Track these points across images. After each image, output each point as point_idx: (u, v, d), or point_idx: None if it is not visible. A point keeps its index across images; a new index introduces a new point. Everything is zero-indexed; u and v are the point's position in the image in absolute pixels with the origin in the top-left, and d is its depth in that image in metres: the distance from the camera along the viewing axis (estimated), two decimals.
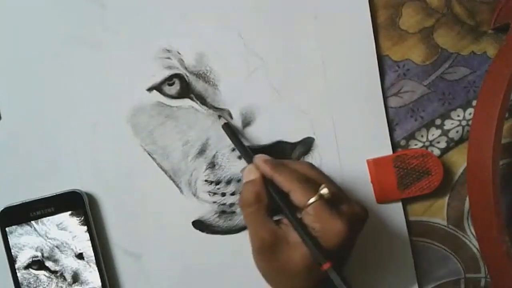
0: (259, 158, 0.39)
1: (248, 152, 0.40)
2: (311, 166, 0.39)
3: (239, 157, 0.44)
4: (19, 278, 0.41)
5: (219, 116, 0.43)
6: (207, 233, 0.44)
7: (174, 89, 0.44)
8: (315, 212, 0.35)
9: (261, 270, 0.37)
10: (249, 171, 0.38)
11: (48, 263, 0.42)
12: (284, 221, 0.37)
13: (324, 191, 0.35)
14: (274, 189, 0.37)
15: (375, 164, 0.45)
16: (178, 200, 0.44)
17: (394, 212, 0.46)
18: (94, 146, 0.44)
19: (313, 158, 0.45)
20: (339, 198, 0.37)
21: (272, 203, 0.37)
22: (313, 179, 0.37)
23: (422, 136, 0.46)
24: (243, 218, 0.38)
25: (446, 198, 0.47)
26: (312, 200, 0.35)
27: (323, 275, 0.34)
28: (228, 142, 0.43)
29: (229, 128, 0.42)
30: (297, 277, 0.35)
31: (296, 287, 0.36)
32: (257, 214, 0.37)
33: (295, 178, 0.36)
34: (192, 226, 0.44)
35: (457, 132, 0.47)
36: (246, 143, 0.44)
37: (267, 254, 0.36)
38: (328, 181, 0.38)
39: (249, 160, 0.39)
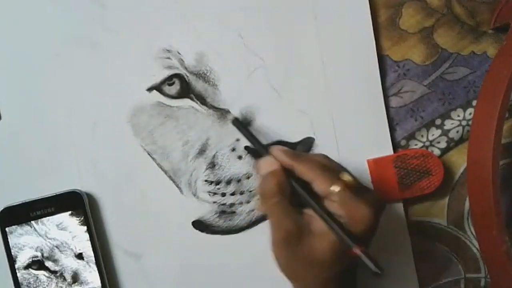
0: (277, 148, 0.39)
1: (262, 144, 0.40)
2: (326, 156, 0.39)
3: (239, 157, 0.44)
4: (19, 278, 0.41)
5: (228, 111, 0.43)
6: (207, 233, 0.44)
7: (174, 89, 0.44)
8: (340, 199, 0.35)
9: (283, 263, 0.36)
10: (267, 162, 0.38)
11: (48, 263, 0.42)
12: (306, 211, 0.37)
13: (346, 177, 0.36)
14: (294, 179, 0.37)
15: (376, 164, 0.45)
16: (178, 200, 0.44)
17: (395, 212, 0.46)
18: (94, 146, 0.44)
19: None
20: (359, 187, 0.37)
21: (293, 194, 0.37)
22: (332, 167, 0.37)
23: (422, 136, 0.46)
24: (265, 210, 0.37)
25: (447, 198, 0.47)
26: (337, 187, 0.35)
27: (346, 264, 0.35)
28: (228, 142, 0.43)
29: (239, 123, 0.42)
30: (322, 267, 0.35)
31: (319, 277, 0.35)
32: (280, 204, 0.36)
33: (316, 167, 0.36)
34: (192, 226, 0.44)
35: (457, 132, 0.47)
36: (245, 144, 0.44)
37: (291, 245, 0.35)
38: (346, 170, 0.38)
39: (265, 152, 0.39)
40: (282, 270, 0.37)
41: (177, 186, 0.44)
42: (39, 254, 0.42)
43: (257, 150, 0.41)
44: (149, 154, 0.44)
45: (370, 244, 0.37)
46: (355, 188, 0.36)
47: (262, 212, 0.43)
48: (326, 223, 0.35)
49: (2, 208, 0.42)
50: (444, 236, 0.47)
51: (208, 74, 0.44)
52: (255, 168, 0.40)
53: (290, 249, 0.35)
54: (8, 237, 0.41)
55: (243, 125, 0.43)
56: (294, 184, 0.37)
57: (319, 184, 0.36)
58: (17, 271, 0.41)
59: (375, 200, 0.37)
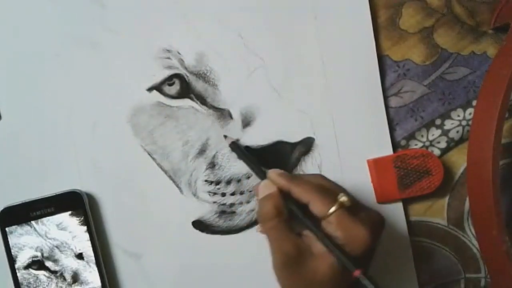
0: (273, 172, 0.39)
1: (260, 168, 0.41)
2: (323, 177, 0.39)
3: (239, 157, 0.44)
4: (19, 278, 0.41)
5: (225, 136, 0.43)
6: (207, 233, 0.44)
7: (174, 89, 0.44)
8: (337, 221, 0.35)
9: (284, 284, 0.36)
10: (265, 186, 0.38)
11: (48, 263, 0.42)
12: (305, 233, 0.37)
13: (344, 199, 0.35)
14: (292, 202, 0.37)
15: (376, 164, 0.45)
16: (178, 200, 0.44)
17: (395, 212, 0.46)
18: (94, 146, 0.44)
19: (313, 158, 0.45)
20: (356, 206, 0.37)
21: (291, 217, 0.37)
22: (329, 188, 0.37)
23: (422, 136, 0.46)
24: (264, 234, 0.37)
25: (446, 198, 0.47)
26: (333, 209, 0.35)
27: (348, 283, 0.35)
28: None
29: (237, 147, 0.43)
30: None
31: None
32: (279, 228, 0.36)
33: (312, 189, 0.36)
34: (192, 226, 0.44)
35: (457, 132, 0.47)
36: (245, 144, 0.44)
37: (292, 268, 0.35)
38: (342, 189, 0.39)
39: (262, 177, 0.39)
40: None
41: (177, 186, 0.44)
42: (39, 254, 0.42)
43: (254, 170, 0.41)
44: (149, 154, 0.44)
45: (370, 264, 0.37)
46: (353, 208, 0.36)
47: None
48: (325, 245, 0.35)
49: (2, 208, 0.42)
50: (444, 236, 0.47)
51: (208, 74, 0.44)
52: (254, 192, 0.41)
53: (291, 271, 0.35)
54: (8, 237, 0.41)
55: (241, 149, 0.43)
56: (292, 207, 0.37)
57: (316, 206, 0.36)
58: (17, 271, 0.41)
59: (374, 220, 0.37)
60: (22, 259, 0.42)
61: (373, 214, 0.38)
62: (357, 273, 0.34)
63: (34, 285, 0.42)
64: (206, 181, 0.44)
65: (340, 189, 0.38)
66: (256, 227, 0.44)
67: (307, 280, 0.35)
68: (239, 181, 0.44)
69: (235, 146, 0.43)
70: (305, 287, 0.35)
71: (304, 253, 0.35)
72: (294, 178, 0.38)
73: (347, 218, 0.35)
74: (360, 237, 0.34)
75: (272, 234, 0.36)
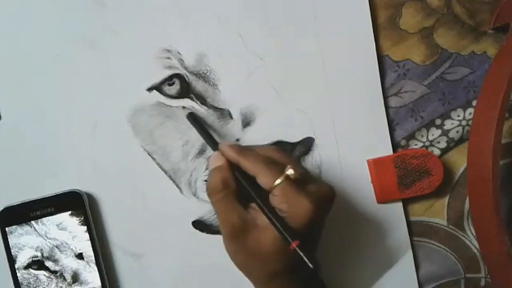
0: (224, 144, 0.39)
1: (213, 139, 0.41)
2: (277, 149, 0.39)
3: None
4: (19, 278, 0.41)
5: (183, 107, 0.43)
6: (207, 233, 0.44)
7: (174, 89, 0.44)
8: (281, 193, 0.35)
9: (232, 256, 0.37)
10: (215, 157, 0.39)
11: (48, 263, 0.42)
12: (253, 206, 0.37)
13: (290, 171, 0.35)
14: (241, 174, 0.37)
15: (375, 164, 0.45)
16: (178, 200, 0.44)
17: (394, 212, 0.46)
18: (94, 146, 0.44)
19: (313, 158, 0.45)
20: (305, 179, 0.37)
21: (240, 189, 0.38)
22: (279, 161, 0.37)
23: (422, 136, 0.46)
24: (212, 205, 0.38)
25: (446, 198, 0.47)
26: (278, 181, 0.35)
27: (294, 257, 0.35)
28: (228, 142, 0.43)
29: (193, 117, 0.43)
30: (269, 260, 0.36)
31: (268, 270, 0.36)
32: (225, 199, 0.37)
33: (260, 161, 0.37)
34: (192, 226, 0.44)
35: (457, 132, 0.47)
36: (245, 144, 0.44)
37: (238, 239, 0.36)
38: (294, 163, 0.39)
39: (215, 148, 0.40)
40: (233, 261, 0.37)
41: (177, 186, 0.44)
42: (39, 254, 0.42)
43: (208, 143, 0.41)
44: (149, 154, 0.44)
45: (317, 242, 0.38)
46: (302, 181, 0.36)
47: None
48: (266, 217, 0.35)
49: (2, 208, 0.42)
50: (444, 236, 0.47)
51: (208, 74, 0.44)
52: (207, 163, 0.41)
53: (237, 243, 0.36)
54: (8, 237, 0.41)
55: (196, 120, 0.43)
56: (239, 178, 0.37)
57: (262, 178, 0.36)
58: (17, 271, 0.41)
59: (322, 193, 0.37)
60: (22, 259, 0.42)
61: (323, 187, 0.37)
62: (294, 244, 0.34)
63: (34, 285, 0.42)
64: (206, 181, 0.44)
65: (291, 161, 0.38)
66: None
67: (252, 251, 0.36)
68: None
69: (191, 117, 0.43)
70: (249, 258, 0.36)
71: (250, 225, 0.36)
72: (243, 150, 0.38)
73: (291, 190, 0.35)
74: (303, 210, 0.35)
75: (219, 206, 0.37)
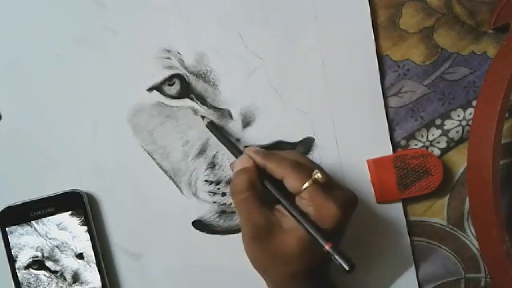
0: (250, 149, 0.40)
1: (236, 146, 0.41)
2: (299, 153, 0.40)
3: None
4: (19, 278, 0.41)
5: (202, 117, 0.43)
6: (207, 233, 0.44)
7: (174, 89, 0.44)
8: (309, 196, 0.36)
9: (253, 257, 0.37)
10: (242, 160, 0.39)
11: (48, 263, 0.42)
12: (277, 208, 0.38)
13: (318, 175, 0.36)
14: (267, 177, 0.38)
15: (375, 164, 0.45)
16: (178, 200, 0.44)
17: (394, 212, 0.46)
18: (94, 146, 0.44)
19: (313, 158, 0.45)
20: (330, 184, 0.37)
21: (264, 193, 0.38)
22: (304, 164, 0.38)
23: (422, 136, 0.46)
24: (235, 206, 0.38)
25: (446, 198, 0.47)
26: (306, 184, 0.36)
27: (315, 259, 0.36)
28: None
29: (214, 126, 0.43)
30: (291, 262, 0.36)
31: (288, 271, 0.36)
32: (250, 200, 0.37)
33: (287, 164, 0.37)
34: (192, 226, 0.44)
35: (457, 132, 0.47)
36: (245, 144, 0.44)
37: (261, 239, 0.36)
38: (317, 165, 0.39)
39: (239, 154, 0.40)
40: (252, 263, 0.38)
41: (177, 186, 0.44)
42: (39, 254, 0.42)
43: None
44: (149, 154, 0.44)
45: (340, 241, 0.38)
46: (327, 186, 0.36)
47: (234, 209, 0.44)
48: (296, 219, 0.36)
49: (2, 208, 0.42)
50: (444, 236, 0.47)
51: (208, 74, 0.44)
52: (231, 168, 0.41)
53: (259, 243, 0.36)
54: (9, 237, 0.41)
55: (217, 128, 0.43)
56: (265, 182, 0.38)
57: (290, 181, 0.37)
58: (17, 271, 0.41)
59: (347, 198, 0.37)
60: (22, 259, 0.42)
61: (347, 193, 0.38)
62: (328, 246, 0.34)
63: (35, 285, 0.42)
64: (206, 181, 0.44)
65: (315, 166, 0.39)
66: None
67: (275, 253, 0.36)
68: None
69: (211, 126, 0.43)
70: (271, 260, 0.36)
71: (273, 226, 0.36)
72: (269, 154, 0.39)
73: (319, 194, 0.36)
74: (330, 214, 0.35)
75: (243, 206, 0.37)
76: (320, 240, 0.35)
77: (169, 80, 0.44)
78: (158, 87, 0.44)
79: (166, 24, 0.44)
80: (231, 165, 0.41)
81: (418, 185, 0.45)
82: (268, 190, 0.38)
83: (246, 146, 0.42)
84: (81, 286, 0.42)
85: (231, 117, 0.44)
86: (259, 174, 0.38)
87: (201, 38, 0.44)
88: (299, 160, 0.38)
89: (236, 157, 0.40)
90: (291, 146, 0.45)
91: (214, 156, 0.44)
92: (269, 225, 0.36)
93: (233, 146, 0.42)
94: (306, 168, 0.37)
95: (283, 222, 0.37)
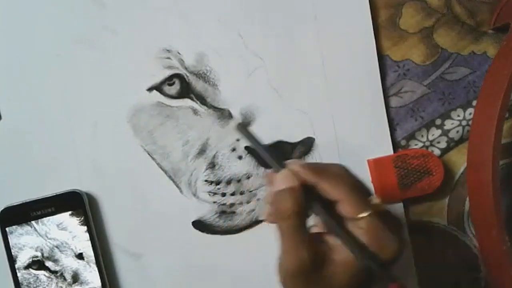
0: (296, 163, 0.34)
1: (277, 158, 0.35)
2: (349, 170, 0.35)
3: (239, 157, 0.44)
4: (19, 278, 0.41)
5: (228, 111, 0.39)
6: (207, 233, 0.44)
7: (174, 89, 0.44)
8: (368, 227, 0.31)
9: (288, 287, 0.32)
10: (285, 177, 0.33)
11: (48, 263, 0.42)
12: (323, 235, 0.33)
13: (377, 202, 0.32)
14: (317, 199, 0.33)
15: (376, 164, 0.45)
16: (178, 200, 0.44)
17: (395, 212, 0.46)
18: (94, 146, 0.44)
19: (313, 158, 0.45)
20: (385, 211, 0.33)
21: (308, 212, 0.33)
22: (360, 186, 0.34)
23: (422, 136, 0.46)
24: (278, 232, 0.32)
25: (447, 198, 0.47)
26: (366, 213, 0.31)
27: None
28: (228, 142, 0.43)
29: (245, 129, 0.37)
30: None
31: None
32: (297, 228, 0.32)
33: (346, 186, 0.32)
34: (192, 226, 0.44)
35: (457, 132, 0.47)
36: (245, 144, 0.44)
37: (306, 275, 0.31)
38: (367, 188, 0.35)
39: (280, 166, 0.34)
40: None
41: (177, 186, 0.44)
42: (39, 254, 0.42)
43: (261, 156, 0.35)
44: (149, 154, 0.44)
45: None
46: (384, 214, 0.32)
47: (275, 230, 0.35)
48: (354, 253, 0.31)
49: (2, 208, 0.42)
50: (444, 236, 0.47)
51: (208, 74, 0.44)
52: (266, 180, 0.36)
53: (303, 279, 0.31)
54: (8, 237, 0.41)
55: (250, 133, 0.36)
56: (313, 204, 0.33)
57: (347, 207, 0.32)
58: (17, 271, 0.41)
59: (399, 226, 0.35)
60: (22, 259, 0.42)
61: (396, 220, 0.35)
62: (394, 286, 0.31)
63: (34, 285, 0.42)
64: (206, 181, 0.44)
65: (365, 187, 0.34)
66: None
67: (320, 286, 0.32)
68: (239, 181, 0.44)
69: (243, 129, 0.37)
70: None
71: (323, 258, 0.32)
72: (322, 171, 0.33)
73: (378, 225, 0.32)
74: (390, 248, 0.32)
75: (288, 235, 0.32)
76: (387, 279, 0.31)
77: (169, 80, 0.44)
78: (158, 87, 0.44)
79: (166, 24, 0.44)
80: (266, 177, 0.36)
81: (419, 185, 0.45)
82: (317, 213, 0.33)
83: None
84: (81, 286, 0.42)
85: (231, 117, 0.44)
86: (309, 194, 0.33)
87: (201, 38, 0.44)
88: (354, 181, 0.33)
89: (275, 170, 0.34)
90: (291, 146, 0.45)
91: (214, 156, 0.44)
92: (317, 258, 0.31)
93: (275, 158, 0.34)
94: (363, 191, 0.33)
95: (335, 254, 0.32)
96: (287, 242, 0.32)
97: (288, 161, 0.34)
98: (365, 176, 0.45)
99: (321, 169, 0.33)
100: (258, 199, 0.44)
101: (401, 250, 0.32)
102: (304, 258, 0.31)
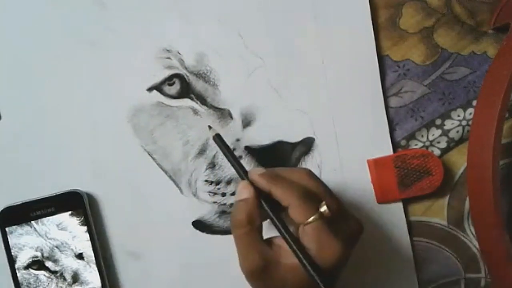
0: (254, 172, 0.36)
1: (242, 167, 0.37)
2: (310, 174, 0.37)
3: (240, 157, 0.44)
4: (19, 278, 0.41)
5: (209, 127, 0.40)
6: (207, 233, 0.44)
7: (174, 89, 0.44)
8: (313, 232, 0.33)
9: None
10: (243, 188, 0.36)
11: (48, 263, 0.42)
12: (276, 241, 0.36)
13: (325, 210, 0.33)
14: (270, 206, 0.35)
15: (376, 164, 0.45)
16: (178, 200, 0.44)
17: (395, 212, 0.46)
18: (94, 146, 0.44)
19: (313, 158, 0.45)
20: (337, 215, 0.35)
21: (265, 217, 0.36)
22: (313, 192, 0.35)
23: (422, 136, 0.46)
24: (233, 239, 0.36)
25: (447, 198, 0.47)
26: (311, 218, 0.33)
27: None
28: (228, 142, 0.43)
29: (221, 140, 0.39)
30: None
31: None
32: (248, 236, 0.35)
33: (295, 192, 0.34)
34: (192, 226, 0.44)
35: (457, 132, 0.47)
36: (245, 144, 0.44)
37: (259, 277, 0.34)
38: (327, 193, 0.36)
39: (244, 177, 0.37)
40: None
41: (177, 186, 0.44)
42: (39, 254, 0.42)
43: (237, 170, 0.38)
44: (149, 154, 0.44)
45: (339, 276, 0.36)
46: (334, 217, 0.34)
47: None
48: (298, 259, 0.33)
49: (2, 208, 0.42)
50: (444, 236, 0.47)
51: (208, 74, 0.44)
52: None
53: (257, 281, 0.35)
54: (8, 237, 0.41)
55: (224, 143, 0.39)
56: (269, 214, 0.35)
57: (295, 212, 0.34)
58: (17, 271, 0.41)
59: (351, 232, 0.35)
60: (22, 259, 0.42)
61: (353, 225, 0.36)
62: None
63: (34, 285, 0.42)
64: (206, 181, 0.44)
65: (324, 191, 0.36)
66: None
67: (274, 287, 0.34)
68: None
69: (219, 139, 0.39)
70: None
71: (273, 264, 0.34)
72: (276, 178, 0.35)
73: (323, 230, 0.33)
74: (332, 252, 0.33)
75: (240, 242, 0.35)
76: (320, 284, 0.32)
77: (169, 80, 0.44)
78: (158, 87, 0.44)
79: (166, 24, 0.44)
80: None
81: (419, 185, 0.45)
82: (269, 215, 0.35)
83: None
84: (81, 286, 0.42)
85: (231, 117, 0.44)
86: (263, 201, 0.35)
87: (201, 38, 0.44)
88: (307, 185, 0.35)
89: (241, 178, 0.37)
90: (291, 146, 0.45)
91: (214, 156, 0.44)
92: (267, 263, 0.34)
93: (239, 166, 0.37)
94: (314, 198, 0.34)
95: (283, 258, 0.34)
96: (240, 247, 0.35)
97: (251, 169, 0.37)
98: (365, 176, 0.45)
99: (275, 176, 0.36)
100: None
101: (343, 258, 0.34)
102: (254, 262, 0.34)
